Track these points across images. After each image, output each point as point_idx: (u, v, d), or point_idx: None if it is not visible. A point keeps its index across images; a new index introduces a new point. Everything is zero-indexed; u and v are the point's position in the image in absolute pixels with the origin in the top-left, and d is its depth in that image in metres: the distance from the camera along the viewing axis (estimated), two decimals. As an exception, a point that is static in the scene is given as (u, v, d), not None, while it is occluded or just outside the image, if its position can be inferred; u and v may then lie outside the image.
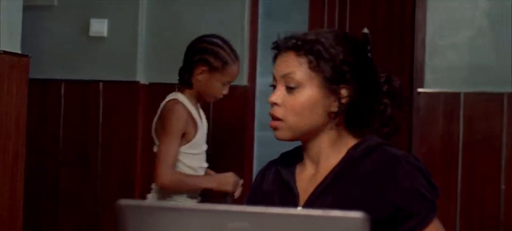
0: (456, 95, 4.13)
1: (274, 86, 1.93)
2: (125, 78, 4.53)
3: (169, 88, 4.48)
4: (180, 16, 4.49)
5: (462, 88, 4.12)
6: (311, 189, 1.92)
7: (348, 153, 1.92)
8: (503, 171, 4.03)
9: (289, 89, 1.89)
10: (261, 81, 4.68)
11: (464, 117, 4.09)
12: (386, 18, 4.46)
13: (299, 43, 1.90)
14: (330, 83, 1.88)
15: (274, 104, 1.91)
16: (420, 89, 4.19)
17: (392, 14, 4.47)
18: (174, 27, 4.49)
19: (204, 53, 3.25)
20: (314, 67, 1.88)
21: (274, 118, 1.91)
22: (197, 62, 3.26)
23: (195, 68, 3.26)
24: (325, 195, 1.88)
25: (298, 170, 2.00)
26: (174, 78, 4.43)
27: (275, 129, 1.92)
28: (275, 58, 1.95)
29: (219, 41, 3.31)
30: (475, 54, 4.13)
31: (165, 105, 3.28)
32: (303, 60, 1.88)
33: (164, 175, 3.16)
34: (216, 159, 4.45)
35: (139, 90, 4.51)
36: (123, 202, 1.36)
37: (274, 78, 1.93)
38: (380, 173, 1.85)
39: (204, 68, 3.25)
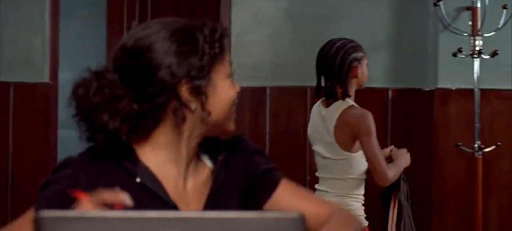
0: (262, 90, 4.25)
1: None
2: None
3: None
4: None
5: (268, 83, 4.25)
6: (193, 200, 1.76)
7: (223, 154, 1.82)
8: (307, 163, 4.20)
9: None
10: (63, 78, 4.54)
11: (270, 111, 4.22)
12: (190, 15, 4.50)
13: None
14: None
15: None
16: (226, 85, 4.26)
17: (195, 11, 4.51)
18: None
19: (349, 54, 3.40)
20: None
21: None
22: (350, 66, 3.39)
23: (350, 71, 3.40)
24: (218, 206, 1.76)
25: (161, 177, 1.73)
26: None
27: None
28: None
29: (338, 42, 3.45)
30: (278, 51, 4.27)
31: (351, 113, 3.33)
32: None
33: (387, 171, 3.24)
34: (18, 158, 4.29)
35: None
36: (45, 213, 1.28)
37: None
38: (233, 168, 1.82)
39: (357, 65, 3.40)
